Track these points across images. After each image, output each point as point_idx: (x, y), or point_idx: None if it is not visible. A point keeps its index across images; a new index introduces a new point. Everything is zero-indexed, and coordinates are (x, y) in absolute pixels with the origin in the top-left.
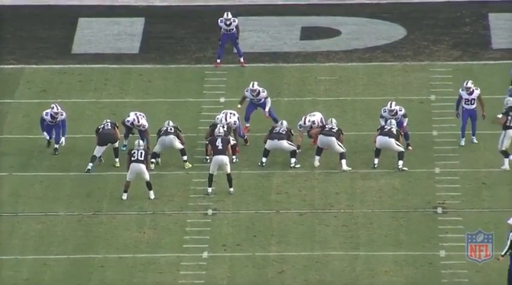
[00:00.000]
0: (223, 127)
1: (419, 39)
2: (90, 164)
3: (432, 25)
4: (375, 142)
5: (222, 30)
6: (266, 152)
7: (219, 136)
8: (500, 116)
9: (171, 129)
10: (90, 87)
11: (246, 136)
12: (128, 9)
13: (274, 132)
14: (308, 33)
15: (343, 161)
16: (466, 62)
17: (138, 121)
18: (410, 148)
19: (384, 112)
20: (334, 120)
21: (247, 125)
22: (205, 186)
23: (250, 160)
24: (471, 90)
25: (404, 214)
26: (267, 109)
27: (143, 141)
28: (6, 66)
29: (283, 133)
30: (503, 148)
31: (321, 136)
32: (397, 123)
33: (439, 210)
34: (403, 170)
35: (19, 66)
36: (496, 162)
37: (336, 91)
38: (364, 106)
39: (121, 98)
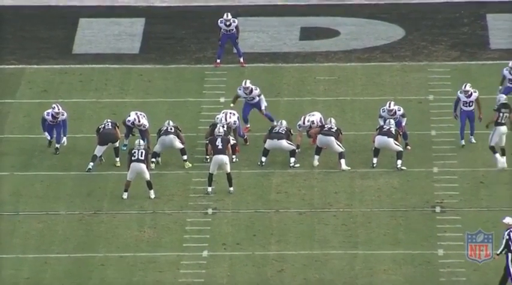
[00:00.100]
0: (223, 126)
1: (418, 40)
2: (91, 163)
3: (430, 25)
4: (374, 141)
5: (221, 30)
6: (266, 152)
7: (219, 135)
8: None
9: (171, 129)
10: (91, 87)
11: (245, 136)
12: (128, 9)
13: (273, 131)
14: (307, 34)
15: (342, 161)
16: (464, 62)
17: (139, 121)
18: (408, 147)
19: (383, 112)
20: (333, 120)
21: (248, 126)
22: (205, 185)
23: (250, 159)
24: (469, 93)
25: (402, 213)
26: (263, 107)
27: (144, 140)
28: (8, 66)
29: (283, 132)
30: (492, 144)
31: (320, 136)
32: (395, 122)
33: (438, 209)
34: (402, 169)
35: (20, 66)
36: (494, 161)
37: (335, 91)
38: (363, 106)
39: (121, 98)
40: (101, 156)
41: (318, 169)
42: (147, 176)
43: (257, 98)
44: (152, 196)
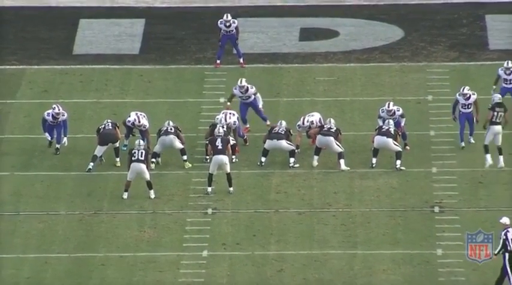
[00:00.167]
0: (223, 127)
1: (417, 40)
2: (91, 163)
3: (429, 26)
4: (373, 142)
5: (222, 31)
6: (265, 152)
7: (219, 136)
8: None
9: (171, 129)
10: (91, 88)
11: (245, 136)
12: (129, 10)
13: (273, 132)
14: (307, 34)
15: (342, 161)
16: (463, 63)
17: (139, 121)
18: (407, 147)
19: (382, 112)
20: (332, 120)
21: (247, 126)
22: (205, 185)
23: (250, 159)
24: (468, 95)
25: (401, 213)
26: (260, 105)
27: (144, 140)
28: (8, 67)
29: (282, 133)
30: (486, 143)
31: (319, 136)
32: (394, 123)
33: (436, 209)
34: (401, 169)
35: (21, 66)
36: (493, 162)
37: (335, 91)
38: (362, 107)
39: (121, 98)
40: (101, 156)
41: (317, 169)
42: (147, 176)
43: (252, 96)
44: (152, 196)
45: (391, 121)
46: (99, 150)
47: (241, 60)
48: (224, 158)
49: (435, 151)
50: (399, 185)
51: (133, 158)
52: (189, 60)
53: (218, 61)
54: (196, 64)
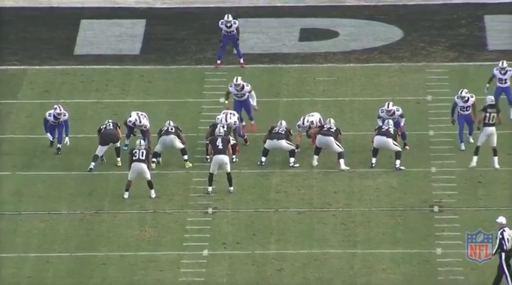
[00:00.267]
0: (223, 127)
1: (416, 41)
2: (92, 163)
3: (429, 27)
4: (373, 141)
5: (222, 31)
6: (265, 152)
7: (220, 136)
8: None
9: (171, 129)
10: (92, 88)
11: (245, 136)
12: (129, 11)
13: (273, 131)
14: (307, 35)
15: (341, 161)
16: (462, 63)
17: (140, 122)
18: (407, 147)
19: (382, 112)
20: (332, 120)
21: (252, 122)
22: (205, 185)
23: (250, 159)
24: (466, 98)
25: (401, 212)
26: (254, 103)
27: (144, 140)
28: (10, 67)
29: (282, 133)
30: (478, 144)
31: (319, 136)
32: (394, 123)
33: (436, 209)
34: (400, 169)
35: (22, 67)
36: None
37: (334, 91)
38: (361, 107)
39: (122, 98)
40: (102, 156)
41: (317, 168)
42: (148, 176)
43: (247, 94)
44: (153, 195)
45: (391, 121)
46: (100, 150)
47: (241, 61)
48: (225, 158)
49: (434, 150)
50: (399, 184)
51: (134, 158)
52: (189, 60)
53: (218, 62)
54: (197, 64)
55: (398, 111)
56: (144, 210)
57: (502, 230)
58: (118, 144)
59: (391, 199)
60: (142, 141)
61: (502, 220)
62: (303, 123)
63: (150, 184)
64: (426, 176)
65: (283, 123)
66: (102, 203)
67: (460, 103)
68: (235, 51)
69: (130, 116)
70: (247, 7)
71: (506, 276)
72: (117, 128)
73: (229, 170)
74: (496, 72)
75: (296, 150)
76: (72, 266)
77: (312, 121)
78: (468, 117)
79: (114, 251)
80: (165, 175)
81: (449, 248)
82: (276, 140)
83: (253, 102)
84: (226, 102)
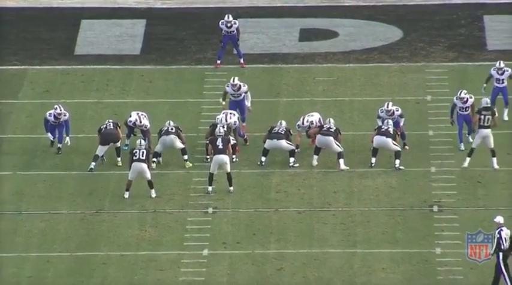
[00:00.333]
0: (223, 127)
1: (416, 41)
2: (93, 163)
3: (428, 27)
4: (372, 141)
5: (223, 31)
6: (265, 152)
7: (220, 135)
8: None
9: (172, 129)
10: (93, 88)
11: (245, 136)
12: (130, 11)
13: (273, 131)
14: (306, 35)
15: (341, 161)
16: (462, 63)
17: (140, 122)
18: (406, 147)
19: (381, 112)
20: (332, 120)
21: (244, 124)
22: (205, 185)
23: (250, 159)
24: (465, 99)
25: (400, 212)
26: (248, 104)
27: (145, 140)
28: (10, 67)
29: (282, 133)
30: (473, 146)
31: (319, 136)
32: (393, 123)
33: (435, 208)
34: (400, 169)
35: (22, 67)
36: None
37: (334, 91)
38: (361, 107)
39: (122, 98)
40: (102, 156)
41: (317, 168)
42: (148, 175)
43: (243, 95)
44: (153, 195)
45: (390, 121)
46: (101, 150)
47: (241, 61)
48: (225, 158)
49: (434, 150)
50: (398, 184)
51: (134, 158)
52: (189, 60)
53: (218, 62)
54: (197, 64)
55: (397, 111)
56: (145, 210)
57: (499, 229)
58: (118, 144)
59: (390, 199)
60: (142, 141)
61: (499, 219)
62: (303, 123)
63: (150, 184)
64: (426, 176)
65: (283, 123)
66: (103, 203)
67: (459, 104)
68: (235, 51)
69: (130, 116)
70: (247, 7)
71: (504, 276)
72: (118, 128)
73: (229, 170)
74: (493, 72)
75: (296, 150)
76: (72, 265)
77: (312, 121)
78: (467, 117)
79: (114, 251)
80: (165, 174)
81: (449, 247)
82: (275, 140)
83: (248, 102)
84: (224, 102)
